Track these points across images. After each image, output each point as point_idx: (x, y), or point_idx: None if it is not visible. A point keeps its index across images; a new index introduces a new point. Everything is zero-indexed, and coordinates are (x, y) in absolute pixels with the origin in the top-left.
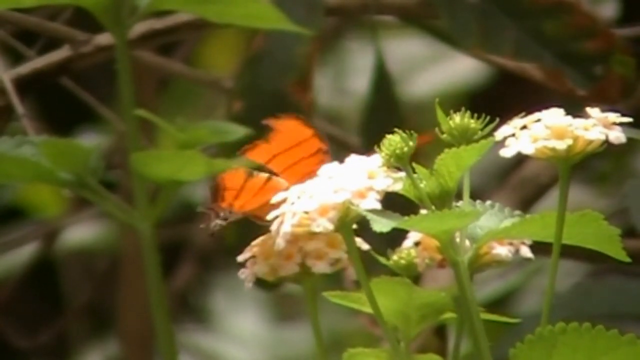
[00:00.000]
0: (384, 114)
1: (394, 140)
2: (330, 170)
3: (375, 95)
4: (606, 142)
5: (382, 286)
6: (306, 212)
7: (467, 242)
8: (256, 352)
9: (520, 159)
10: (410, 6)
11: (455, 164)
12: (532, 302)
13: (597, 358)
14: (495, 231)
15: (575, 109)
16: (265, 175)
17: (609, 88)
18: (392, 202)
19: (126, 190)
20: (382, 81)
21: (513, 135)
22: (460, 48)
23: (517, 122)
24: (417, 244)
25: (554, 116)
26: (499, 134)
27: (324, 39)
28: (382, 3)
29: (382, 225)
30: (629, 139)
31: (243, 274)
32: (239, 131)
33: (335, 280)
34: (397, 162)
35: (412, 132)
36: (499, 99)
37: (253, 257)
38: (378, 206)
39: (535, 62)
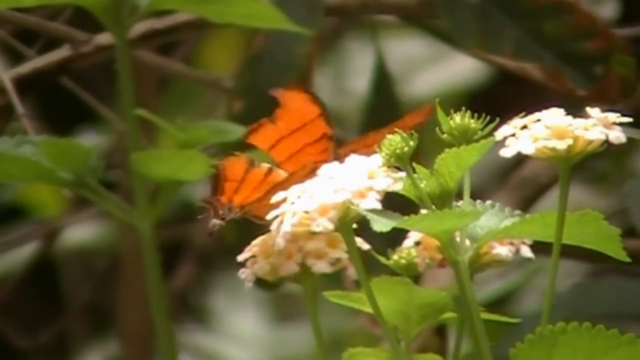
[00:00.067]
0: (384, 114)
1: (394, 140)
2: (330, 170)
3: (375, 95)
4: (606, 142)
5: (382, 286)
6: (306, 212)
7: (468, 242)
8: (256, 352)
9: (520, 159)
10: (410, 6)
11: (456, 164)
12: (532, 302)
13: (597, 358)
14: (496, 231)
15: (575, 109)
16: (266, 166)
17: (609, 88)
18: (392, 202)
19: (126, 190)
20: (382, 81)
21: (513, 135)
22: (460, 48)
23: (517, 122)
24: (417, 243)
25: (554, 116)
26: (499, 134)
27: (324, 39)
28: (382, 3)
29: (382, 225)
30: (629, 139)
31: (243, 273)
32: (239, 131)
33: (335, 280)
34: (398, 162)
35: (412, 132)
36: (499, 99)
37: (253, 256)
38: (378, 206)
39: (535, 62)
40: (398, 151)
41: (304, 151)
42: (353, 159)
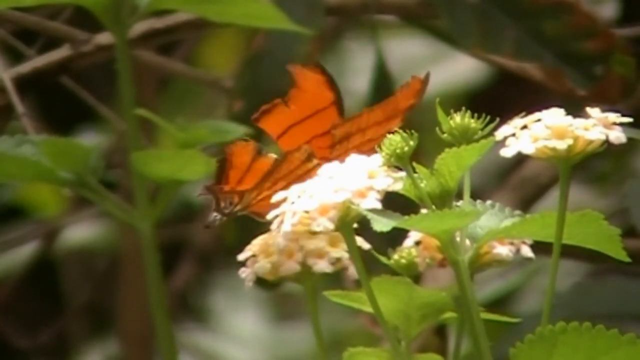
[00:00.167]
0: None
1: (395, 140)
2: (330, 169)
3: (375, 95)
4: (606, 142)
5: (382, 286)
6: (306, 212)
7: (468, 242)
8: (256, 352)
9: (520, 159)
10: (410, 6)
11: (456, 164)
12: (532, 301)
13: (597, 358)
14: (496, 231)
15: (575, 109)
16: (273, 156)
17: (609, 88)
18: (393, 202)
19: (126, 190)
20: (382, 81)
21: (513, 135)
22: (460, 48)
23: (517, 122)
24: (417, 243)
25: (554, 116)
26: (499, 134)
27: (324, 39)
28: (382, 3)
29: (382, 224)
30: (629, 139)
31: (243, 273)
32: (239, 131)
33: (335, 279)
34: (398, 162)
35: (412, 131)
36: (499, 99)
37: (253, 256)
38: (378, 206)
39: (535, 62)
40: (398, 151)
41: (312, 143)
42: (353, 159)
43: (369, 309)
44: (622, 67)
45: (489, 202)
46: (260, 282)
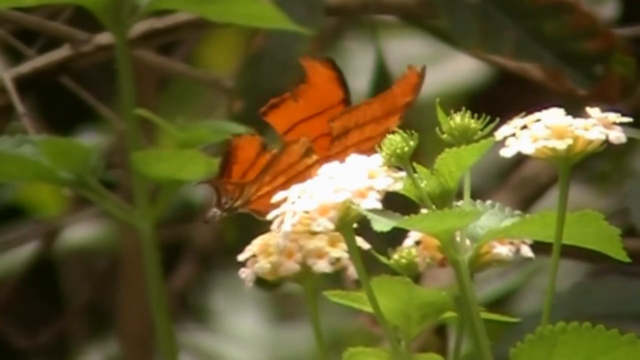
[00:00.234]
0: None
1: (395, 140)
2: (330, 169)
3: (375, 95)
4: (606, 142)
5: (382, 285)
6: (306, 212)
7: (468, 242)
8: (256, 352)
9: (520, 159)
10: (410, 6)
11: (456, 164)
12: (532, 301)
13: (597, 358)
14: (496, 231)
15: (575, 109)
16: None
17: (609, 88)
18: (393, 202)
19: (126, 190)
20: (382, 81)
21: (513, 135)
22: (460, 48)
23: (517, 122)
24: (417, 243)
25: (554, 116)
26: (499, 134)
27: (324, 39)
28: (382, 3)
29: (382, 224)
30: (629, 139)
31: (243, 273)
32: (239, 131)
33: (335, 279)
34: (398, 162)
35: (412, 131)
36: (499, 99)
37: (253, 256)
38: (379, 206)
39: (535, 62)
40: (398, 151)
41: (317, 142)
42: (353, 159)
43: (369, 309)
44: (622, 67)
45: (489, 202)
46: (260, 282)
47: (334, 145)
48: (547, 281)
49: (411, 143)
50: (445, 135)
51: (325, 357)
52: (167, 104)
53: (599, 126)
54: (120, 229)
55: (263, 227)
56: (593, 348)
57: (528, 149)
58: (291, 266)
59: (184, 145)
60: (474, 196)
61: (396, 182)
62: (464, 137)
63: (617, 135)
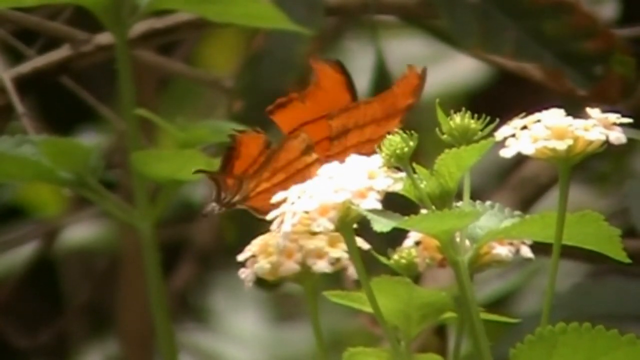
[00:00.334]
0: None
1: (394, 140)
2: (330, 170)
3: (375, 95)
4: (606, 142)
5: (382, 286)
6: (306, 212)
7: (467, 242)
8: (256, 352)
9: (520, 159)
10: (410, 6)
11: (456, 164)
12: (532, 302)
13: (597, 358)
14: (496, 231)
15: (575, 109)
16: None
17: (609, 88)
18: (393, 202)
19: (126, 190)
20: (382, 81)
21: (513, 135)
22: (460, 48)
23: (517, 122)
24: (417, 243)
25: (554, 116)
26: (499, 134)
27: (324, 39)
28: (382, 3)
29: (382, 225)
30: (629, 139)
31: (243, 273)
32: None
33: (335, 279)
34: (398, 162)
35: (412, 132)
36: (499, 99)
37: (253, 256)
38: (378, 206)
39: (535, 62)
40: (398, 151)
41: (320, 144)
42: (353, 159)
43: (369, 309)
44: (622, 67)
45: (488, 202)
46: (260, 282)
47: (333, 145)
48: (546, 282)
49: (411, 143)
50: (445, 136)
51: (325, 357)
52: (167, 104)
53: (599, 127)
54: (120, 229)
55: (263, 227)
56: (593, 348)
57: (528, 149)
58: (291, 266)
59: (184, 145)
60: (474, 197)
61: (396, 182)
62: (464, 138)
63: (617, 136)
